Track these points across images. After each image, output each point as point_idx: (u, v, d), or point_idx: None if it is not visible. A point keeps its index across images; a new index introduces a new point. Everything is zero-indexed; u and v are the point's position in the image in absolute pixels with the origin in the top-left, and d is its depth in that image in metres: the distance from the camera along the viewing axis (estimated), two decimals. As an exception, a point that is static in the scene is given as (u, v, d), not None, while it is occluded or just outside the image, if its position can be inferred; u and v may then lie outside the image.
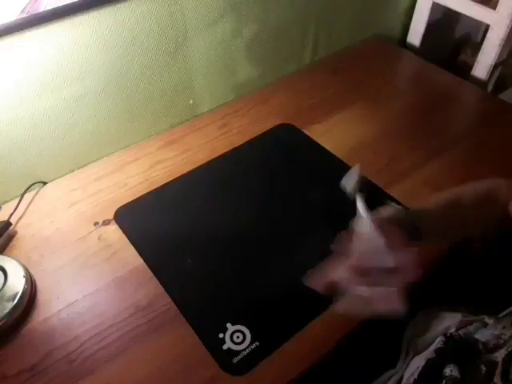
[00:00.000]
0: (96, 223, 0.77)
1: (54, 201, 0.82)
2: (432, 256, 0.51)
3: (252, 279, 0.68)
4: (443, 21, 1.30)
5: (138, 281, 0.68)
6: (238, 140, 0.91)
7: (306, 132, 0.92)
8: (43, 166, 0.85)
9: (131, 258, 0.71)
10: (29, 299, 0.65)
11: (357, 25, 1.18)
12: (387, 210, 0.54)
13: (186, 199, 0.81)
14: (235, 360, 0.58)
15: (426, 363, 0.55)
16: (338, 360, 0.63)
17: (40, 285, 0.68)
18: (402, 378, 0.58)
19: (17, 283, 0.65)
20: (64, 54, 0.75)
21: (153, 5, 0.80)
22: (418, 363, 0.56)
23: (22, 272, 0.67)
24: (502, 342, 0.49)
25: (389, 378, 0.61)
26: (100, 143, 0.90)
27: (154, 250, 0.72)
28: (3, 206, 0.81)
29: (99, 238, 0.75)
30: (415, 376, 0.54)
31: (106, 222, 0.77)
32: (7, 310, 0.62)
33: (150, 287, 0.67)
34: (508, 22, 1.03)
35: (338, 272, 0.48)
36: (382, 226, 0.48)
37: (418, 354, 0.59)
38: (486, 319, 0.56)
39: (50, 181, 0.86)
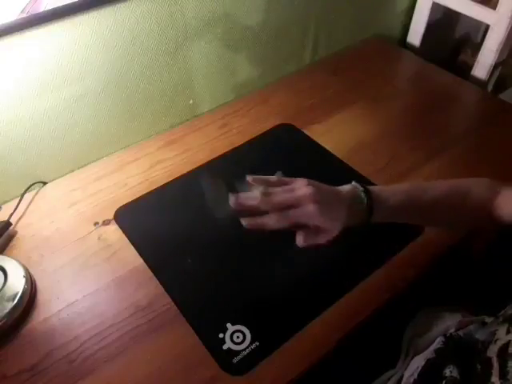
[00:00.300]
0: (96, 223, 0.77)
1: (54, 201, 0.82)
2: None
3: (252, 279, 0.68)
4: (443, 21, 1.31)
5: (138, 281, 0.68)
6: (238, 140, 0.91)
7: (306, 132, 0.92)
8: (43, 166, 0.85)
9: (131, 258, 0.71)
10: (29, 299, 0.65)
11: (357, 25, 1.18)
12: (345, 187, 0.56)
13: (185, 199, 0.81)
14: (235, 360, 0.58)
15: (426, 363, 0.55)
16: (337, 360, 0.63)
17: (40, 285, 0.68)
18: (401, 377, 0.59)
19: (17, 283, 0.65)
20: (64, 53, 0.75)
21: (153, 5, 0.80)
22: (417, 363, 0.56)
23: (22, 272, 0.67)
24: (495, 338, 0.48)
25: (389, 378, 0.61)
26: (100, 143, 0.90)
27: (154, 250, 0.72)
28: (3, 206, 0.81)
29: (99, 238, 0.75)
30: (415, 376, 0.54)
31: (106, 222, 0.77)
32: (7, 310, 0.62)
33: (150, 287, 0.67)
34: (508, 21, 1.03)
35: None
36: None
37: (418, 354, 0.59)
38: (486, 319, 0.56)
39: (50, 181, 0.86)
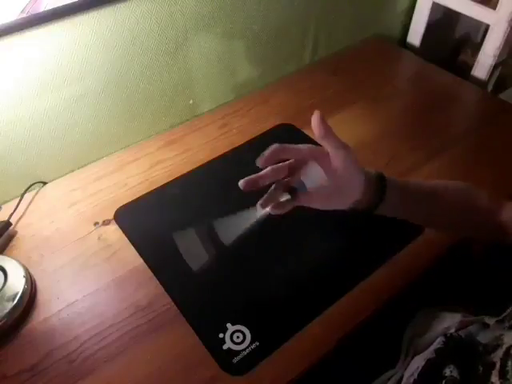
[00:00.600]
0: (96, 223, 0.77)
1: (54, 201, 0.82)
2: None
3: (252, 279, 0.68)
4: (443, 21, 1.30)
5: (138, 281, 0.68)
6: (238, 140, 0.91)
7: (306, 132, 0.92)
8: (43, 166, 0.85)
9: (131, 258, 0.71)
10: (29, 299, 0.65)
11: (357, 25, 1.18)
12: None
13: (185, 199, 0.81)
14: (235, 360, 0.58)
15: (426, 363, 0.55)
16: (337, 360, 0.63)
17: (40, 285, 0.68)
18: (401, 378, 0.58)
19: (17, 283, 0.65)
20: (64, 53, 0.75)
21: (153, 5, 0.80)
22: (417, 363, 0.56)
23: (22, 272, 0.67)
24: (500, 342, 0.49)
25: (389, 378, 0.61)
26: (100, 143, 0.90)
27: (154, 250, 0.72)
28: (3, 206, 0.81)
29: (99, 238, 0.75)
30: (415, 376, 0.54)
31: (106, 222, 0.77)
32: (7, 310, 0.62)
33: (150, 287, 0.67)
34: (508, 21, 1.03)
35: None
36: None
37: (418, 354, 0.59)
38: (486, 320, 0.56)
39: (50, 181, 0.86)
